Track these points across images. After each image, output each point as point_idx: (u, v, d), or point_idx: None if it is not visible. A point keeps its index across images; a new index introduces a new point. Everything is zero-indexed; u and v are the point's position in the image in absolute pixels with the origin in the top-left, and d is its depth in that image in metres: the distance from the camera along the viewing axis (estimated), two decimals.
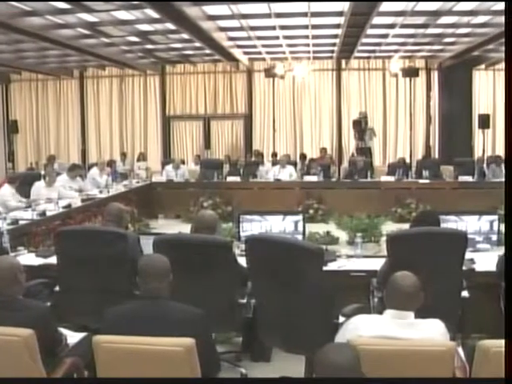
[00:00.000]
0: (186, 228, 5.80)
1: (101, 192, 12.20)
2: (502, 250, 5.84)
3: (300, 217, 6.83)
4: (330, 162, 17.04)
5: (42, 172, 12.31)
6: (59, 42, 13.87)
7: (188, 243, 5.13)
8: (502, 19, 12.64)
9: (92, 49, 15.58)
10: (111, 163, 15.76)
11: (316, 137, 20.64)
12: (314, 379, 2.82)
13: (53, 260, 5.81)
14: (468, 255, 5.39)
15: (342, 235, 10.19)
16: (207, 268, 4.93)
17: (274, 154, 18.14)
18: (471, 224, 6.49)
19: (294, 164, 16.25)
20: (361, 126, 17.95)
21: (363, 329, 3.51)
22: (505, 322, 3.57)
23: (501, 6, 11.95)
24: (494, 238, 6.56)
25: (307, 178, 14.56)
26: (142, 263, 3.79)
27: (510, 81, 4.16)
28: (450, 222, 6.38)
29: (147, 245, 5.20)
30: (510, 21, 4.32)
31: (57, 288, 5.46)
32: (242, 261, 5.05)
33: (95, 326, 4.01)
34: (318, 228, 10.39)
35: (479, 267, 5.70)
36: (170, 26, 13.14)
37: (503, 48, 16.41)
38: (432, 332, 3.50)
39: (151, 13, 12.03)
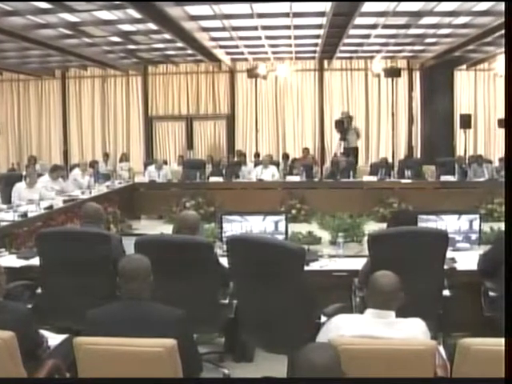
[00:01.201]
0: (168, 228, 5.80)
1: (83, 193, 12.14)
2: (482, 249, 5.91)
3: (283, 217, 6.83)
4: (313, 162, 17.08)
5: (24, 173, 12.24)
6: (41, 42, 13.82)
7: (170, 244, 5.13)
8: (482, 20, 12.80)
9: (74, 49, 15.53)
10: (93, 164, 15.68)
11: (298, 137, 20.69)
12: (295, 379, 2.82)
13: (34, 262, 5.79)
14: (449, 254, 5.43)
15: (325, 235, 10.20)
16: (189, 268, 4.93)
17: (257, 155, 18.14)
18: (451, 223, 6.51)
19: (277, 164, 16.25)
20: (343, 126, 17.99)
21: (344, 328, 3.51)
22: (505, 322, 3.59)
23: (481, 6, 12.06)
24: (474, 237, 6.59)
25: (290, 178, 14.57)
26: (122, 264, 3.78)
27: (510, 81, 4.18)
28: (430, 222, 6.40)
29: (129, 245, 5.18)
30: (510, 21, 4.34)
31: (38, 290, 5.43)
32: (225, 261, 5.04)
33: (77, 328, 4.00)
34: (301, 228, 10.41)
35: (460, 266, 5.74)
36: (152, 26, 13.13)
37: (484, 48, 16.59)
38: (413, 331, 3.52)
39: (133, 13, 12.02)
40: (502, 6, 11.64)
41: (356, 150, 18.24)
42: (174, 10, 11.56)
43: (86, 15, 12.38)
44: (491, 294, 5.24)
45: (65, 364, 3.87)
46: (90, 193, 12.22)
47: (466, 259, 5.86)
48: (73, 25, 13.03)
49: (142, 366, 3.38)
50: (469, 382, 3.29)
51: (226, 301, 5.16)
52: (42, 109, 21.44)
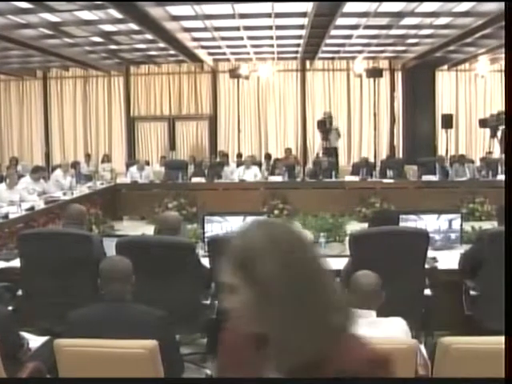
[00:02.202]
0: (150, 229, 5.79)
1: (65, 194, 12.08)
2: (463, 248, 5.95)
3: (265, 217, 6.83)
4: (295, 162, 17.10)
5: (4, 174, 12.17)
6: (22, 42, 13.71)
7: (151, 245, 5.12)
8: (463, 21, 12.86)
9: (55, 49, 15.43)
10: (75, 165, 15.62)
11: (281, 137, 20.71)
12: (278, 379, 2.81)
13: (15, 263, 5.75)
14: (430, 253, 5.46)
15: (307, 235, 10.20)
16: (170, 269, 4.92)
17: (239, 155, 18.15)
18: (432, 223, 6.55)
19: (259, 164, 16.25)
20: (325, 126, 18.03)
21: None
22: (505, 321, 3.61)
23: (462, 7, 12.12)
24: (455, 236, 6.63)
25: (272, 179, 14.59)
26: (103, 265, 3.77)
27: (510, 80, 4.19)
28: (411, 221, 6.43)
29: (111, 247, 5.17)
30: (510, 21, 4.35)
31: (19, 292, 5.40)
32: (207, 262, 5.04)
33: (59, 330, 3.98)
34: None
35: (441, 265, 5.77)
36: (134, 26, 13.08)
37: (465, 49, 16.68)
38: (393, 330, 3.53)
39: (114, 13, 11.97)
40: (482, 7, 11.74)
41: (336, 150, 18.29)
42: (155, 11, 11.53)
43: (67, 15, 12.31)
44: (472, 292, 5.28)
45: (46, 366, 3.85)
46: (72, 194, 12.17)
47: (448, 258, 5.90)
48: (54, 25, 12.96)
49: (124, 368, 3.37)
50: (469, 382, 3.30)
51: (208, 301, 5.15)
52: (24, 109, 21.29)
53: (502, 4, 11.27)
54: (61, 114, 21.19)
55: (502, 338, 3.55)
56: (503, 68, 19.11)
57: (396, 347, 3.42)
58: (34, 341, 4.27)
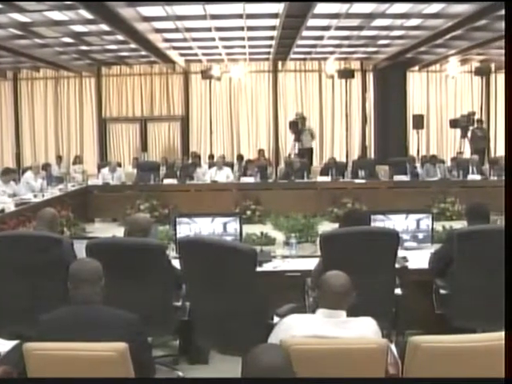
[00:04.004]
0: (122, 231, 5.74)
1: (35, 196, 11.97)
2: (433, 248, 6.00)
3: (237, 218, 6.84)
4: (267, 163, 17.12)
5: None
6: None
7: (121, 247, 5.09)
8: (433, 22, 12.96)
9: (25, 50, 15.31)
10: (46, 167, 15.49)
11: (253, 138, 20.74)
12: (247, 379, 2.82)
13: None
14: (401, 253, 5.50)
15: (279, 236, 10.21)
16: (141, 271, 4.90)
17: (211, 156, 18.16)
18: (403, 223, 6.59)
19: (231, 165, 16.25)
20: (297, 127, 18.10)
21: (296, 329, 3.53)
22: (505, 321, 3.64)
23: (432, 9, 12.22)
24: (421, 236, 6.68)
25: (244, 180, 14.58)
26: (72, 268, 3.74)
27: (510, 82, 4.22)
28: (382, 221, 6.46)
29: (81, 249, 5.13)
30: (510, 21, 4.38)
31: None
32: (178, 263, 5.03)
33: (29, 334, 3.94)
34: (256, 229, 10.40)
35: (411, 265, 5.81)
36: (105, 27, 13.02)
37: (436, 50, 16.83)
38: (363, 330, 3.55)
39: (85, 13, 11.90)
40: (452, 9, 11.85)
41: (310, 150, 18.37)
42: (126, 11, 11.48)
43: (37, 15, 12.23)
44: (442, 291, 5.32)
45: (16, 371, 3.81)
46: (43, 196, 12.07)
47: (418, 258, 5.94)
48: (24, 25, 12.87)
49: (94, 371, 3.34)
50: (469, 382, 3.32)
51: (179, 303, 5.14)
52: None
53: (472, 6, 11.43)
54: (32, 115, 21.01)
55: (472, 336, 3.60)
56: (473, 69, 19.36)
57: (366, 347, 3.45)
58: (3, 345, 4.22)
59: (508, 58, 4.34)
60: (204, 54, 18.45)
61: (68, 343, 3.38)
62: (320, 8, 11.85)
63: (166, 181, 14.54)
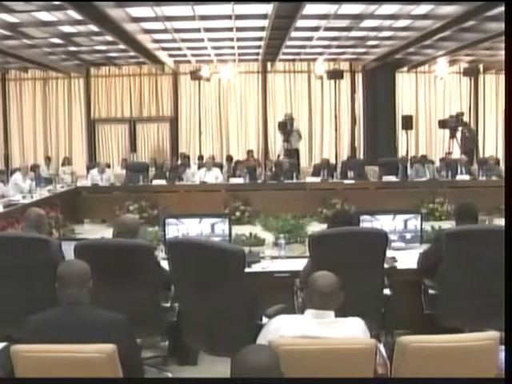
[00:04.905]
0: (111, 233, 5.73)
1: (24, 197, 11.93)
2: (422, 248, 6.01)
3: (226, 219, 6.83)
4: (256, 163, 17.12)
5: None
6: None
7: (109, 248, 5.07)
8: (422, 23, 13.00)
9: (14, 50, 15.26)
10: (35, 168, 15.47)
11: (242, 139, 20.76)
12: (236, 380, 2.81)
13: None
14: (389, 253, 5.51)
15: (269, 237, 10.22)
16: (129, 273, 4.88)
17: (200, 157, 18.13)
18: (392, 223, 6.60)
19: (220, 166, 16.23)
20: (286, 128, 18.13)
21: (284, 329, 3.53)
22: (505, 320, 3.64)
23: (420, 10, 12.26)
24: (409, 236, 6.68)
25: (233, 180, 14.56)
26: (60, 269, 3.72)
27: (510, 82, 4.23)
28: (371, 222, 6.46)
29: (70, 250, 5.11)
30: (510, 21, 4.39)
31: None
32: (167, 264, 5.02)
33: (18, 336, 3.93)
34: (245, 230, 10.40)
35: (400, 265, 5.81)
36: (94, 27, 12.98)
37: (424, 51, 16.88)
38: (352, 330, 3.55)
39: (74, 14, 11.86)
40: (441, 10, 11.88)
41: (297, 151, 18.38)
42: (115, 12, 11.46)
43: (26, 16, 12.19)
44: (431, 291, 5.33)
45: (4, 373, 3.80)
46: (32, 197, 12.01)
47: (407, 258, 5.95)
48: (12, 26, 12.82)
49: (82, 373, 3.33)
50: (457, 381, 3.33)
51: (168, 304, 5.13)
52: None
53: (461, 7, 11.47)
54: (20, 115, 20.95)
55: (460, 336, 3.61)
56: (461, 70, 19.42)
57: (355, 347, 3.45)
58: None
59: (508, 57, 4.35)
60: (193, 55, 18.43)
61: (56, 345, 3.36)
62: (309, 9, 11.86)
63: (155, 182, 14.52)
